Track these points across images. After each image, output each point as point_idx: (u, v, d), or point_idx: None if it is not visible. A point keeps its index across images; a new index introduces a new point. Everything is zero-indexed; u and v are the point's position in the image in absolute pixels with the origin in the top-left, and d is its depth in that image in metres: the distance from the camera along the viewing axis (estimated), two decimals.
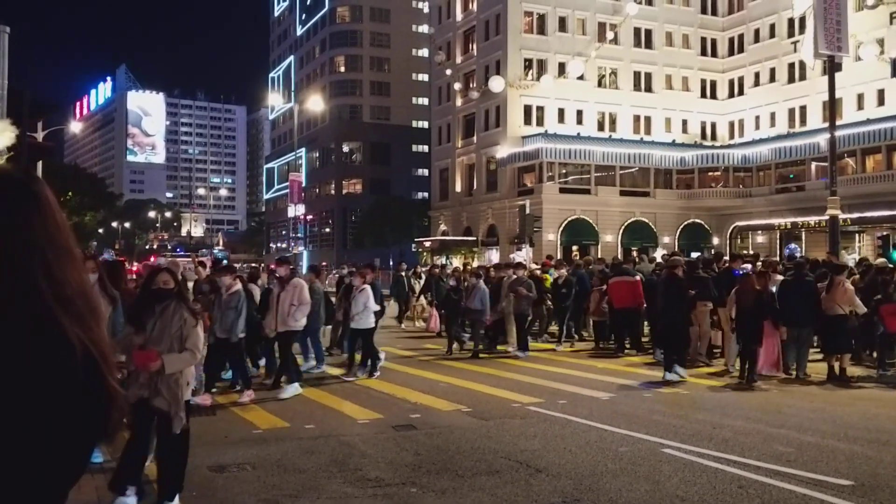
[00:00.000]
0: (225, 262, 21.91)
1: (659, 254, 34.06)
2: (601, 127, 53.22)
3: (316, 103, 68.42)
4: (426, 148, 72.92)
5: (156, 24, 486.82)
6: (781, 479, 6.79)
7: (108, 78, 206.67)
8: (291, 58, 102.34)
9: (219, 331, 10.84)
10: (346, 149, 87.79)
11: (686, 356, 13.38)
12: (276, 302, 11.50)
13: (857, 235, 41.87)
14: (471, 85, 55.34)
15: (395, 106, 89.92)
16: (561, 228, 49.02)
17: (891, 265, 16.92)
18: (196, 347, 5.96)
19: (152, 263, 9.96)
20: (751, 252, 39.06)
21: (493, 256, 48.45)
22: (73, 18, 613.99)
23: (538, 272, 19.23)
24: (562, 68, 49.90)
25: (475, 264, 30.33)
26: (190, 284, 11.06)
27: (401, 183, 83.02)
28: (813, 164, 45.49)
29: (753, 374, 12.41)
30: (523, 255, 33.92)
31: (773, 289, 13.73)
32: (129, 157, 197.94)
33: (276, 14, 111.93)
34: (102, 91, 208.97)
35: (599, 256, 27.57)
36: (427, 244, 58.13)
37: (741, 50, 54.97)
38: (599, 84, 53.53)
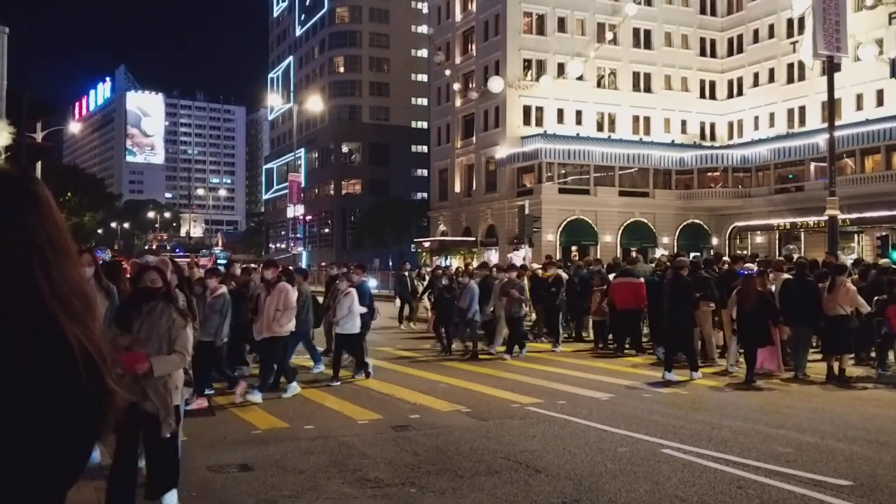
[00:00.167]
0: (226, 262, 21.77)
1: (658, 253, 34.09)
2: (600, 127, 53.24)
3: (315, 104, 68.45)
4: (425, 148, 72.93)
5: (155, 25, 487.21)
6: (781, 480, 6.79)
7: (108, 78, 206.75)
8: (291, 58, 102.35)
9: (202, 334, 10.70)
10: (345, 149, 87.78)
11: (697, 358, 13.37)
12: (262, 306, 11.28)
13: (856, 236, 41.88)
14: (470, 85, 55.34)
15: (395, 106, 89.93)
16: (560, 229, 49.02)
17: (895, 265, 16.93)
18: (185, 349, 5.68)
19: (140, 261, 9.67)
20: (749, 252, 39.12)
21: (493, 257, 48.44)
22: (72, 19, 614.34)
23: (540, 272, 19.21)
24: (561, 69, 49.89)
25: (475, 264, 30.32)
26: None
27: (400, 183, 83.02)
28: (812, 165, 45.51)
29: (752, 374, 12.42)
30: (521, 255, 33.92)
31: (773, 287, 13.76)
32: (129, 158, 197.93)
33: (276, 14, 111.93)
34: (101, 91, 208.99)
35: (597, 257, 27.54)
36: (426, 244, 58.15)
37: (740, 50, 54.99)
38: (598, 84, 53.54)
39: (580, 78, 49.95)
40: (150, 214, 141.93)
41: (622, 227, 50.50)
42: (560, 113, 52.31)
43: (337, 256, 72.07)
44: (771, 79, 52.31)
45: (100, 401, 1.16)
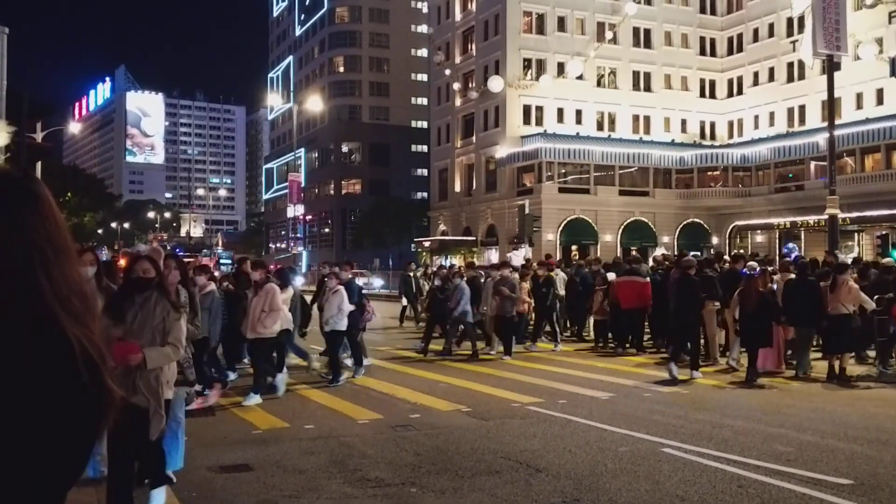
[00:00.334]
0: (229, 262, 21.65)
1: (658, 252, 34.07)
2: (600, 127, 53.25)
3: (315, 104, 68.45)
4: (425, 148, 72.94)
5: (155, 25, 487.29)
6: (781, 479, 6.79)
7: (107, 78, 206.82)
8: (290, 58, 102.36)
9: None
10: (345, 149, 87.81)
11: (699, 357, 13.38)
12: (248, 307, 11.14)
13: (856, 235, 41.88)
14: (470, 85, 55.35)
15: (395, 106, 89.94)
16: (560, 228, 49.02)
17: None
18: (179, 342, 5.50)
19: (131, 250, 9.47)
20: (749, 251, 39.10)
21: (493, 256, 48.46)
22: (71, 19, 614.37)
23: (541, 272, 19.14)
24: (561, 68, 49.90)
25: (478, 264, 30.29)
26: None
27: (400, 183, 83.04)
28: (812, 164, 45.50)
29: (754, 372, 12.43)
30: (520, 255, 33.91)
31: (774, 287, 13.77)
32: (129, 158, 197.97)
33: (275, 14, 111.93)
34: (101, 92, 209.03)
35: (596, 257, 27.51)
36: (426, 244, 58.17)
37: (740, 49, 54.98)
38: (598, 84, 53.55)
39: (580, 77, 49.98)
40: (150, 214, 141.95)
41: (622, 227, 50.50)
42: (560, 112, 52.31)
43: (337, 256, 72.10)
44: (771, 78, 52.30)
45: (100, 400, 1.16)
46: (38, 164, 14.64)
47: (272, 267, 16.93)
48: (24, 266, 1.14)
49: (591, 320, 18.77)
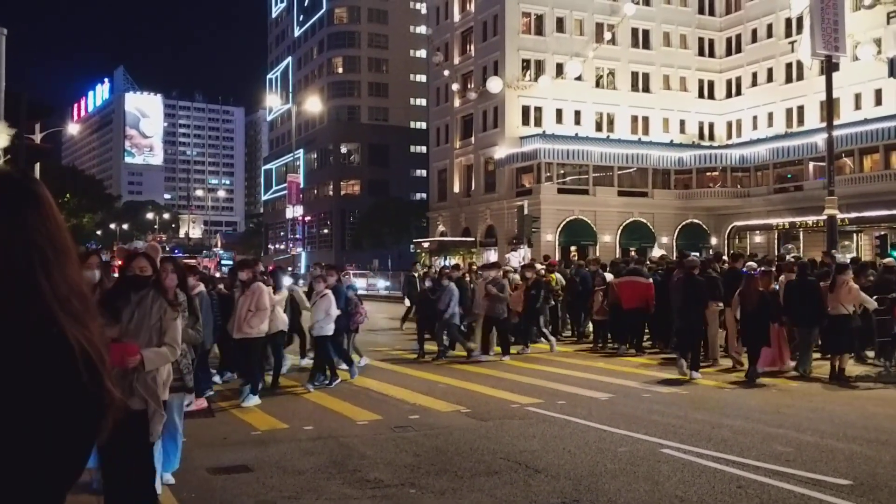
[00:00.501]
0: (231, 263, 21.46)
1: (657, 253, 34.11)
2: (599, 127, 53.27)
3: (314, 104, 68.49)
4: (424, 149, 72.94)
5: (153, 26, 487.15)
6: (780, 479, 6.79)
7: (106, 80, 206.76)
8: (289, 59, 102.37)
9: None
10: (344, 150, 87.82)
11: (699, 358, 13.38)
12: (235, 307, 11.00)
13: (854, 235, 41.92)
14: (469, 86, 55.36)
15: (393, 107, 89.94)
16: (559, 229, 49.03)
17: None
18: (176, 342, 5.29)
19: (128, 248, 9.27)
20: (748, 252, 39.11)
21: (492, 257, 48.47)
22: (70, 20, 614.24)
23: (543, 272, 19.14)
24: (559, 69, 49.91)
25: (479, 263, 30.19)
26: None
27: (399, 184, 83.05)
28: (811, 164, 45.53)
29: (755, 371, 12.45)
30: (519, 255, 33.93)
31: (777, 287, 13.79)
32: (127, 159, 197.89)
33: (274, 15, 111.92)
34: (100, 93, 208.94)
35: (595, 258, 27.53)
36: (426, 245, 58.17)
37: (739, 50, 55.01)
38: (597, 84, 53.56)
39: (579, 78, 50.00)
40: (149, 215, 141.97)
41: (621, 227, 50.51)
42: (559, 113, 52.33)
43: (336, 257, 72.15)
44: (769, 78, 52.33)
45: (99, 400, 1.16)
46: (37, 166, 14.63)
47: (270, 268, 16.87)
48: (24, 266, 1.14)
49: (590, 321, 18.75)
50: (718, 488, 6.57)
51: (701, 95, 56.43)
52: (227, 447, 8.24)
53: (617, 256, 30.73)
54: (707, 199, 50.82)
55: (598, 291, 17.64)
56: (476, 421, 9.50)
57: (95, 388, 1.15)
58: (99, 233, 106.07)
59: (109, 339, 5.02)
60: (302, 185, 72.83)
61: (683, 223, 51.57)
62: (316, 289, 12.71)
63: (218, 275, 17.71)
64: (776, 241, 45.35)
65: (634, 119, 54.38)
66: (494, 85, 47.92)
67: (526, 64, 52.32)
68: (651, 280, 16.54)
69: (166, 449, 6.60)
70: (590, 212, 49.73)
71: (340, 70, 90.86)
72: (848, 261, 17.92)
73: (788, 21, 47.18)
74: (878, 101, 44.14)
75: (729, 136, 55.81)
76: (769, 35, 52.11)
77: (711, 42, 56.86)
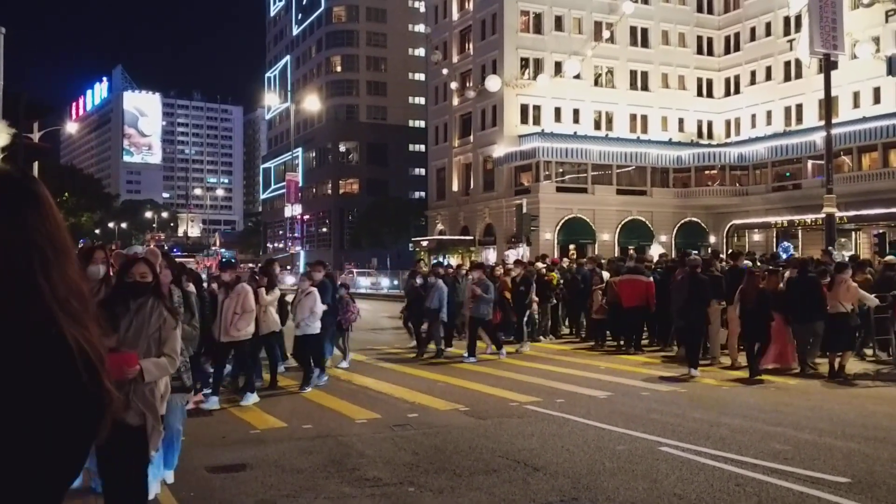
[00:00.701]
0: (231, 262, 21.22)
1: (656, 252, 34.11)
2: (598, 126, 53.27)
3: (312, 103, 68.40)
4: (423, 147, 72.90)
5: (152, 25, 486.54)
6: (779, 477, 6.80)
7: (105, 78, 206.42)
8: (288, 58, 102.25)
9: None
10: (342, 149, 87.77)
11: (698, 356, 13.40)
12: (220, 309, 10.75)
13: (853, 233, 41.95)
14: (467, 84, 55.36)
15: (392, 106, 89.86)
16: (558, 227, 49.04)
17: None
18: (175, 353, 5.04)
19: (126, 252, 9.06)
20: (747, 250, 39.13)
21: (491, 256, 48.47)
22: (69, 19, 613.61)
23: (543, 270, 19.15)
24: (558, 67, 49.92)
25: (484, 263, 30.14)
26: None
27: (398, 183, 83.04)
28: (809, 163, 45.55)
29: (755, 367, 12.46)
30: (517, 254, 33.94)
31: (782, 286, 13.81)
32: (126, 158, 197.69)
33: (273, 14, 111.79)
34: (98, 92, 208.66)
35: (593, 256, 27.53)
36: (424, 244, 58.17)
37: (737, 48, 55.03)
38: (596, 83, 53.56)
39: (577, 76, 49.99)
40: (148, 214, 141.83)
41: (620, 226, 50.52)
42: (557, 112, 52.33)
43: (335, 256, 72.10)
44: (768, 77, 52.35)
45: (99, 400, 1.16)
46: (36, 165, 14.62)
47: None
48: (24, 266, 1.14)
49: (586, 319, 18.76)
50: (717, 486, 6.57)
51: (699, 94, 56.45)
52: (226, 446, 8.24)
53: (614, 256, 30.70)
54: (706, 197, 50.85)
55: (596, 290, 17.65)
56: (475, 419, 9.51)
57: (94, 388, 1.15)
58: (97, 231, 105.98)
59: (108, 347, 4.97)
60: (300, 184, 72.78)
61: (682, 221, 51.60)
62: (301, 286, 12.43)
63: (205, 276, 17.38)
64: (775, 240, 45.39)
65: (633, 117, 54.39)
66: (493, 83, 47.91)
67: (524, 62, 52.32)
68: (651, 279, 16.54)
69: (166, 448, 6.61)
70: (588, 210, 49.74)
71: (339, 69, 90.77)
72: (846, 259, 17.95)
73: (787, 19, 47.19)
74: (877, 100, 44.16)
75: (727, 135, 55.82)
76: (768, 33, 52.12)
77: (710, 40, 56.86)
